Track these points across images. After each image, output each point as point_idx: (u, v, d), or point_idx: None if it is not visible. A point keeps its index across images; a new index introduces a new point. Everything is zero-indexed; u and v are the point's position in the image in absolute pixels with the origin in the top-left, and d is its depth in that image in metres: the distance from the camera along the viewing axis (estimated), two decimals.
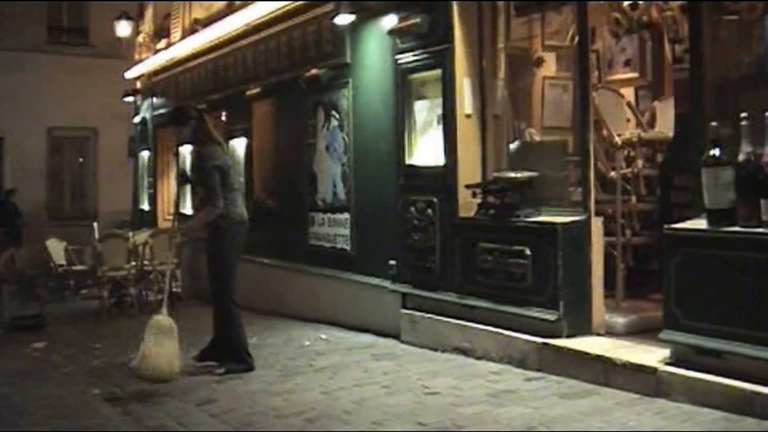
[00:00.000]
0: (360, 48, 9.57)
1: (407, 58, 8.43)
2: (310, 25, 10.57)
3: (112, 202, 22.29)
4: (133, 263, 13.20)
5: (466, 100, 7.88)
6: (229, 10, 12.53)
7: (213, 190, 7.36)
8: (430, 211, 8.12)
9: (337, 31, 9.78)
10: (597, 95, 7.68)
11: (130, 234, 14.15)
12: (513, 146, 8.01)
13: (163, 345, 6.98)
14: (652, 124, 8.49)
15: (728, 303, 5.21)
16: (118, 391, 7.17)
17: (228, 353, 7.59)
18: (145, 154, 17.72)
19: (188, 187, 12.93)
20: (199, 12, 14.40)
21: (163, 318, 7.14)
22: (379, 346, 8.39)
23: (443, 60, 7.96)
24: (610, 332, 6.72)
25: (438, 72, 8.05)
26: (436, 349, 7.82)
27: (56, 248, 14.72)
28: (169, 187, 16.49)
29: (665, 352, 5.70)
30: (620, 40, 8.68)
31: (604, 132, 7.75)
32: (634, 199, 7.55)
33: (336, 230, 9.94)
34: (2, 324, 11.95)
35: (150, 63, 16.53)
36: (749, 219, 5.16)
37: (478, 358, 7.28)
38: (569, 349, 6.42)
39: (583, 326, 6.71)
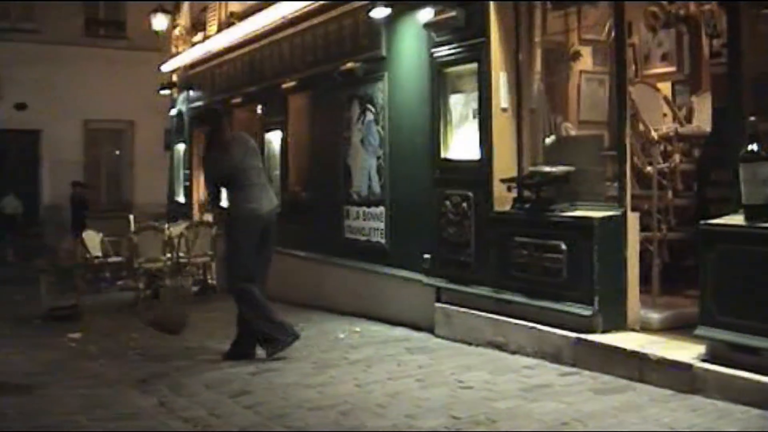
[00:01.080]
0: (396, 41, 9.57)
1: (443, 51, 8.41)
2: (346, 18, 10.59)
3: (147, 194, 22.44)
4: (169, 255, 13.31)
5: (501, 94, 7.86)
6: (266, 3, 12.55)
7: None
8: (465, 205, 8.11)
9: (373, 25, 9.78)
10: (633, 89, 7.62)
11: (166, 226, 14.25)
12: (549, 140, 7.98)
13: None
14: (689, 118, 8.42)
15: (765, 299, 5.16)
16: (154, 382, 7.23)
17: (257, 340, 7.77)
18: (180, 147, 17.83)
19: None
20: (235, 5, 14.46)
21: None
22: (413, 339, 8.39)
23: (479, 53, 7.94)
24: (645, 328, 6.68)
25: (474, 66, 8.03)
26: (470, 343, 7.82)
27: (92, 240, 14.83)
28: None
29: (701, 349, 5.66)
30: (657, 34, 8.60)
31: (641, 127, 7.70)
32: (670, 194, 7.49)
33: (371, 224, 9.96)
34: (39, 314, 12.07)
35: (186, 56, 16.63)
36: None
37: (512, 353, 7.27)
38: (604, 345, 6.40)
39: (618, 322, 6.68)
